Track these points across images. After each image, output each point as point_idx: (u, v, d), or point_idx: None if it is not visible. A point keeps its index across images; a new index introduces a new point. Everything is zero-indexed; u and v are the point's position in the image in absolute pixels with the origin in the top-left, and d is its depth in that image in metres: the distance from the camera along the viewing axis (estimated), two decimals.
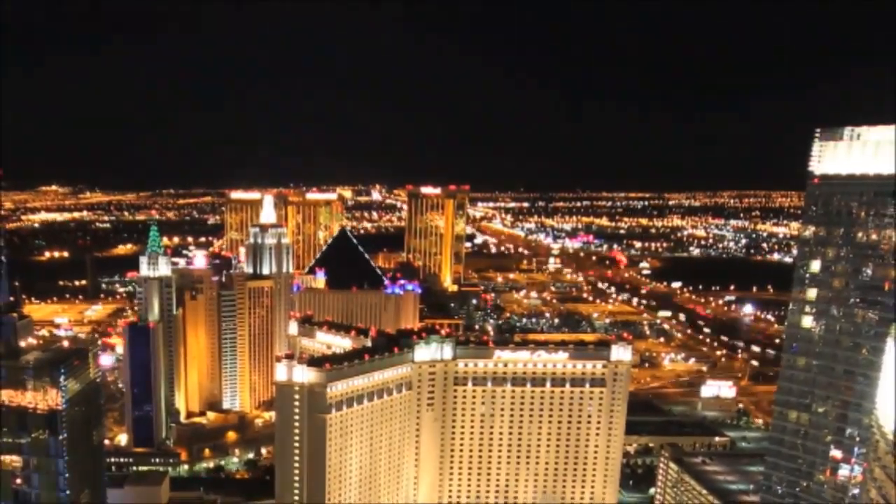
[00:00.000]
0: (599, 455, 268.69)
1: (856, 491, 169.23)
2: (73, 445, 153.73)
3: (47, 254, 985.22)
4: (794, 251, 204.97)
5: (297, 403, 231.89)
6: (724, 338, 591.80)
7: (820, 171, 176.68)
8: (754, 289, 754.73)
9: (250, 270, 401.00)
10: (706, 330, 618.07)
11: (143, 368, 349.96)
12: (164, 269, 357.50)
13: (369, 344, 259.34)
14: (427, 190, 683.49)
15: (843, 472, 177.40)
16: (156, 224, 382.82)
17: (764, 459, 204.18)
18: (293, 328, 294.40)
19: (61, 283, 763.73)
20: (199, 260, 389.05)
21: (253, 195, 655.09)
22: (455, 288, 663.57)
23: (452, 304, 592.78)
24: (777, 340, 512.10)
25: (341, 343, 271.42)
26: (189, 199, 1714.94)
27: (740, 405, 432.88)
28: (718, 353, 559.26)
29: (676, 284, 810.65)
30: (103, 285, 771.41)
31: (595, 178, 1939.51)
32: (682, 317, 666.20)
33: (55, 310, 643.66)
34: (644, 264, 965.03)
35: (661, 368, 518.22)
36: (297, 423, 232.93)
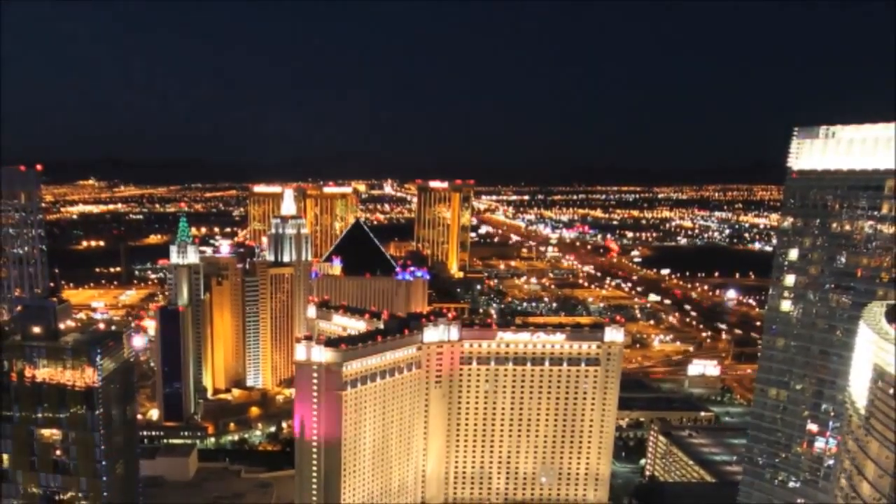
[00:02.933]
0: (594, 428, 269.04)
1: (831, 462, 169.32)
2: (108, 420, 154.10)
3: (84, 243, 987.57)
4: (774, 240, 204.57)
5: (315, 381, 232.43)
6: (710, 320, 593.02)
7: (798, 166, 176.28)
8: (737, 275, 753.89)
9: (272, 258, 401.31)
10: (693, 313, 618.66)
11: (173, 349, 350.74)
12: (192, 257, 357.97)
13: (382, 326, 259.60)
14: (435, 184, 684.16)
15: (819, 444, 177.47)
16: (185, 216, 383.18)
17: (746, 433, 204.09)
18: (311, 312, 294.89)
19: (97, 270, 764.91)
20: (225, 249, 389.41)
21: (274, 189, 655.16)
22: (461, 274, 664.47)
23: (458, 290, 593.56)
24: (758, 323, 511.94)
25: (356, 325, 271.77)
26: (215, 193, 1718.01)
27: (724, 383, 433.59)
28: (704, 334, 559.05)
29: (665, 271, 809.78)
30: (136, 272, 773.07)
31: (590, 173, 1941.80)
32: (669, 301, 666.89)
33: (92, 295, 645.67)
34: (635, 252, 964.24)
35: (651, 349, 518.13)
36: (315, 399, 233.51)
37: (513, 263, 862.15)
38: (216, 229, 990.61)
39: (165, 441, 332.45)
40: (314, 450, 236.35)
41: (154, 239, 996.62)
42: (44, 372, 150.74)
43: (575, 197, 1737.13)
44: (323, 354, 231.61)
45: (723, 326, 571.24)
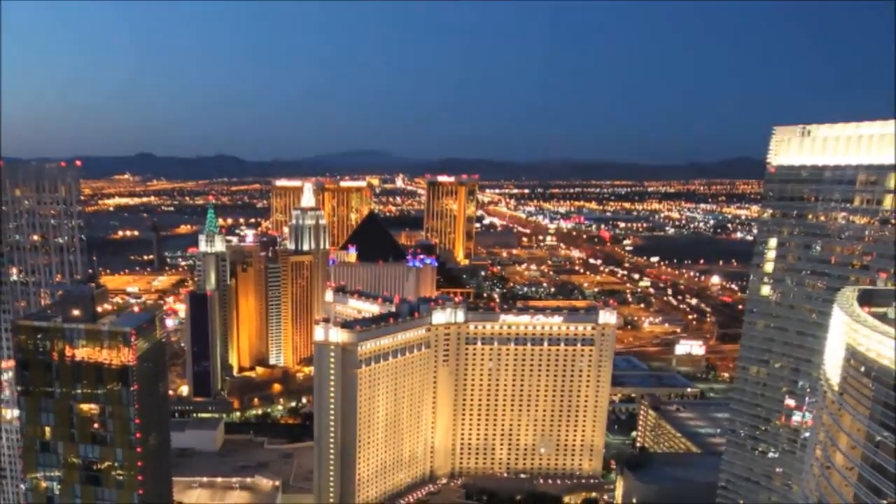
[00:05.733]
0: (589, 403, 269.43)
1: (807, 434, 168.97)
2: (142, 395, 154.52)
3: (120, 233, 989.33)
4: (755, 230, 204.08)
5: (332, 360, 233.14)
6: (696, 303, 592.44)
7: (776, 162, 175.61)
8: (720, 262, 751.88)
9: (293, 247, 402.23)
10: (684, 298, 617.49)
11: (201, 330, 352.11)
12: (219, 245, 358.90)
13: (393, 309, 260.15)
14: (443, 179, 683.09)
15: (796, 418, 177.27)
16: (212, 207, 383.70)
17: (729, 407, 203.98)
18: (329, 296, 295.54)
19: (132, 257, 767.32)
20: (249, 238, 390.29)
21: (295, 183, 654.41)
22: (466, 262, 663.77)
23: (464, 276, 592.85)
24: (740, 306, 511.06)
25: (370, 308, 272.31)
26: (241, 187, 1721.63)
27: (708, 361, 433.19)
28: (690, 316, 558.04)
29: (654, 259, 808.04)
30: (168, 259, 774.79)
31: (586, 169, 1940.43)
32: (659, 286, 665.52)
33: (127, 280, 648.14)
34: (627, 242, 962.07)
35: (642, 330, 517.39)
36: (332, 377, 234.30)
37: (514, 251, 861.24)
38: (241, 220, 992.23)
39: (195, 415, 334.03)
40: (331, 423, 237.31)
41: (184, 229, 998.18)
42: (83, 352, 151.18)
43: (571, 190, 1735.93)
44: (339, 335, 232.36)
45: (707, 309, 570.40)
